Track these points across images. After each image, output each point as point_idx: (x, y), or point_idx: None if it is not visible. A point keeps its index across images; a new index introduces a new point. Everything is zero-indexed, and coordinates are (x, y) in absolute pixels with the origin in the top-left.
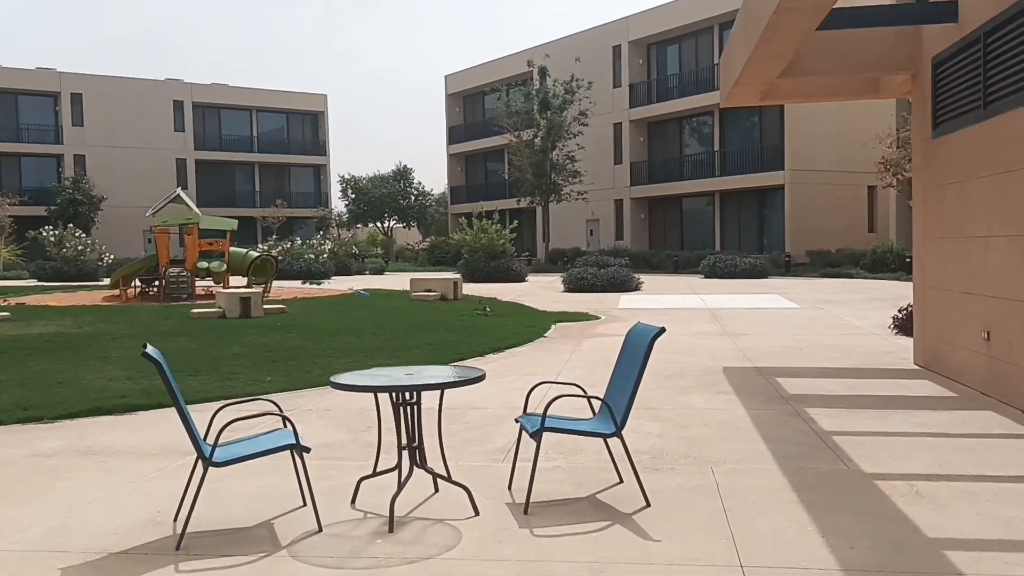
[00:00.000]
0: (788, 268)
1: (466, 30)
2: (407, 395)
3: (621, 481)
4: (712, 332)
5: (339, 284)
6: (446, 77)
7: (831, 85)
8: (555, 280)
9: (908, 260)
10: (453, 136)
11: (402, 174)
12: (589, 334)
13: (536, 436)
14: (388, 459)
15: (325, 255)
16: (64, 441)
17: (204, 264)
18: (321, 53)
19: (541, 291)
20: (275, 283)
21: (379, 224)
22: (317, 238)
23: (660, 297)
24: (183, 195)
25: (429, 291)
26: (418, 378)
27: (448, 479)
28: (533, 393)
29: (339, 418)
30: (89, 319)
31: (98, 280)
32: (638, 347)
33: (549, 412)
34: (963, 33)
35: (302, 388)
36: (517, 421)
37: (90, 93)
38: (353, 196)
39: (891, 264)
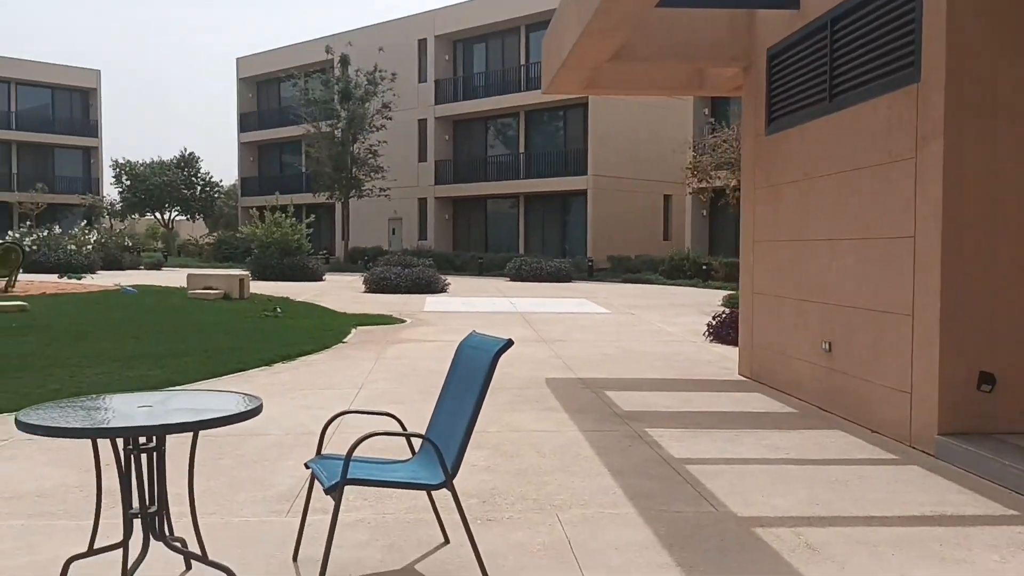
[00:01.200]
0: (591, 273)
1: (262, 11)
2: (141, 440)
3: (447, 541)
4: (527, 338)
5: (105, 280)
6: (238, 60)
7: (657, 77)
8: (356, 280)
9: (704, 267)
10: (245, 123)
11: (187, 161)
12: (394, 339)
13: (334, 492)
14: (116, 525)
15: (90, 246)
16: None
17: None
18: (98, 25)
19: (340, 291)
20: (23, 276)
21: (159, 215)
22: (81, 227)
23: (468, 299)
24: None
25: (210, 289)
26: (159, 413)
27: (203, 559)
28: (333, 424)
29: (68, 452)
30: None
31: None
32: (476, 366)
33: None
34: (806, 20)
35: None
36: (307, 467)
37: None
38: (128, 183)
39: (687, 271)
